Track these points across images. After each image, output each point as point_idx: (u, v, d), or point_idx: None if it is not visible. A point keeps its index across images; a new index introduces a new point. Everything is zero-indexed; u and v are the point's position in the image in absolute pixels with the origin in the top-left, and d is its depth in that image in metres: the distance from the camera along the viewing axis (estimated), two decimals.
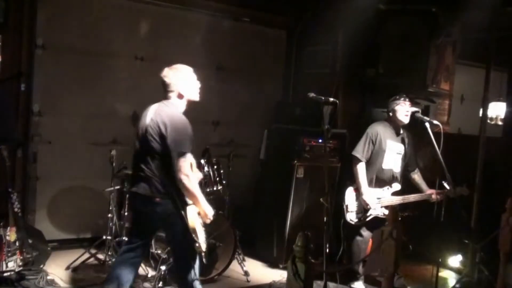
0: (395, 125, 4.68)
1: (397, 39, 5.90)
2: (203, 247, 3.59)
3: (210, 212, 3.63)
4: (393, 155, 4.64)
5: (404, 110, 4.59)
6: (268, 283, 4.85)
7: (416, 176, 4.82)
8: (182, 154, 3.44)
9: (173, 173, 3.46)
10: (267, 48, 6.68)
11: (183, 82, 3.69)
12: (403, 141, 4.69)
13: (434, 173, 4.73)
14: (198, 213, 3.60)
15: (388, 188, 4.61)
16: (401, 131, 4.72)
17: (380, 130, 4.63)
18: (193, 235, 3.48)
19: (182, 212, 3.50)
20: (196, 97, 3.76)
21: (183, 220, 3.49)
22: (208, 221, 3.68)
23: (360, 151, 4.61)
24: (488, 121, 5.79)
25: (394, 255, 3.82)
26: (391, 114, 4.65)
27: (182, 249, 3.64)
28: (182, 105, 3.72)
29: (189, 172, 3.47)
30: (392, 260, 3.82)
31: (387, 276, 3.95)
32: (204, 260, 3.72)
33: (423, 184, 4.76)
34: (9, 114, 4.59)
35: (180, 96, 3.69)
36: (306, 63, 6.60)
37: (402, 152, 4.68)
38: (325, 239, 3.59)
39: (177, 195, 3.52)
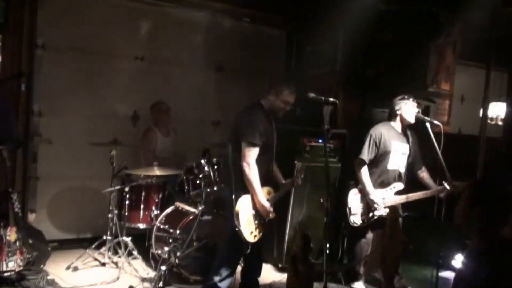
0: (400, 125, 4.64)
1: (397, 39, 5.90)
2: (247, 236, 3.81)
3: (267, 205, 3.88)
4: (398, 155, 4.60)
5: (412, 110, 4.54)
6: (268, 283, 4.84)
7: (425, 174, 4.73)
8: (249, 143, 3.79)
9: (239, 161, 3.81)
10: (267, 48, 6.68)
11: (280, 94, 4.01)
12: (408, 141, 4.66)
13: (434, 173, 4.72)
14: (256, 207, 3.87)
15: (391, 188, 4.59)
16: (406, 131, 4.69)
17: (384, 132, 4.58)
18: (236, 221, 3.75)
19: (233, 197, 3.80)
20: (281, 113, 4.09)
21: (231, 206, 3.79)
22: (268, 217, 3.95)
23: (365, 153, 4.56)
24: (488, 121, 5.78)
25: (394, 255, 3.82)
26: (398, 113, 4.59)
27: (226, 240, 4.02)
28: (268, 108, 4.04)
29: (252, 162, 3.77)
30: (392, 260, 3.83)
31: (387, 276, 3.95)
32: (246, 249, 3.90)
33: (431, 182, 4.68)
34: (9, 114, 4.59)
35: (273, 103, 4.01)
36: (306, 63, 6.59)
37: (407, 152, 4.65)
38: (325, 239, 3.59)
39: (235, 181, 3.84)
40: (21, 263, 4.15)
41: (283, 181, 4.25)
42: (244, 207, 3.84)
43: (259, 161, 3.86)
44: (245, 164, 3.78)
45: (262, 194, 3.88)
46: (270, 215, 3.96)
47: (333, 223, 3.72)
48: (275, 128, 4.08)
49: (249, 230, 3.86)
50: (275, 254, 5.36)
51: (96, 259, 4.95)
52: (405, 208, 4.73)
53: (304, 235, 4.21)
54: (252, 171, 3.78)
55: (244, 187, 3.85)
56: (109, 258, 4.89)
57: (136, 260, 4.93)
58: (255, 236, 3.91)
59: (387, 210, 4.52)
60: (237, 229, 3.78)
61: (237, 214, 3.78)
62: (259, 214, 3.94)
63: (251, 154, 3.78)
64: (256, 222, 3.93)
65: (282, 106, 4.04)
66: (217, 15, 6.19)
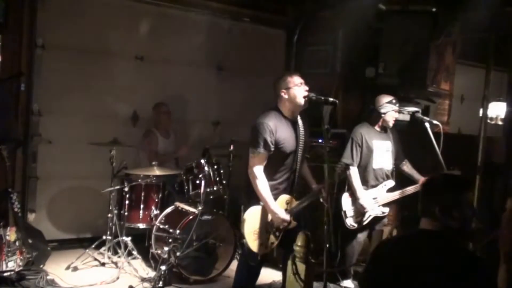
0: (381, 125, 4.66)
1: (397, 39, 5.89)
2: (253, 247, 3.60)
3: (279, 212, 3.61)
4: (382, 153, 4.63)
5: (394, 116, 4.61)
6: (268, 283, 4.84)
7: (405, 168, 4.80)
8: (252, 150, 3.60)
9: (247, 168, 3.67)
10: (267, 48, 6.68)
11: (284, 84, 3.72)
12: (389, 138, 4.69)
13: (434, 173, 4.71)
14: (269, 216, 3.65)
15: (382, 187, 4.61)
16: (386, 128, 4.71)
17: (363, 132, 4.61)
18: (242, 231, 3.59)
19: (242, 207, 3.68)
20: (304, 100, 3.66)
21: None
22: (282, 225, 3.66)
23: (349, 156, 4.58)
24: (488, 121, 5.78)
25: None
26: (382, 116, 4.59)
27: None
28: (288, 106, 3.71)
29: (256, 169, 3.58)
30: None
31: None
32: (255, 260, 3.70)
33: (414, 174, 4.72)
34: (9, 114, 4.59)
35: (288, 97, 3.69)
36: (306, 63, 6.59)
37: (390, 148, 4.68)
38: (325, 239, 3.58)
39: (245, 191, 3.70)
40: (20, 263, 4.16)
41: (313, 186, 3.96)
42: (251, 217, 3.63)
43: (274, 167, 3.66)
44: (249, 171, 3.61)
45: (273, 201, 3.62)
46: (286, 223, 3.67)
47: (333, 223, 3.69)
48: (303, 130, 3.75)
49: (257, 242, 3.62)
50: (275, 254, 5.35)
51: (96, 259, 4.94)
52: (404, 208, 4.73)
53: (304, 235, 4.21)
54: (257, 178, 3.57)
55: (250, 195, 3.65)
56: (109, 258, 4.89)
57: (136, 260, 4.93)
58: (265, 247, 3.68)
59: (382, 209, 4.55)
60: (243, 240, 3.62)
61: (243, 225, 3.59)
62: (273, 224, 3.68)
63: (255, 162, 3.59)
64: (269, 232, 3.67)
65: (297, 91, 3.64)
66: (217, 15, 6.19)
